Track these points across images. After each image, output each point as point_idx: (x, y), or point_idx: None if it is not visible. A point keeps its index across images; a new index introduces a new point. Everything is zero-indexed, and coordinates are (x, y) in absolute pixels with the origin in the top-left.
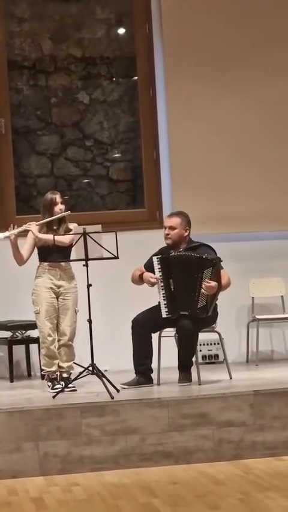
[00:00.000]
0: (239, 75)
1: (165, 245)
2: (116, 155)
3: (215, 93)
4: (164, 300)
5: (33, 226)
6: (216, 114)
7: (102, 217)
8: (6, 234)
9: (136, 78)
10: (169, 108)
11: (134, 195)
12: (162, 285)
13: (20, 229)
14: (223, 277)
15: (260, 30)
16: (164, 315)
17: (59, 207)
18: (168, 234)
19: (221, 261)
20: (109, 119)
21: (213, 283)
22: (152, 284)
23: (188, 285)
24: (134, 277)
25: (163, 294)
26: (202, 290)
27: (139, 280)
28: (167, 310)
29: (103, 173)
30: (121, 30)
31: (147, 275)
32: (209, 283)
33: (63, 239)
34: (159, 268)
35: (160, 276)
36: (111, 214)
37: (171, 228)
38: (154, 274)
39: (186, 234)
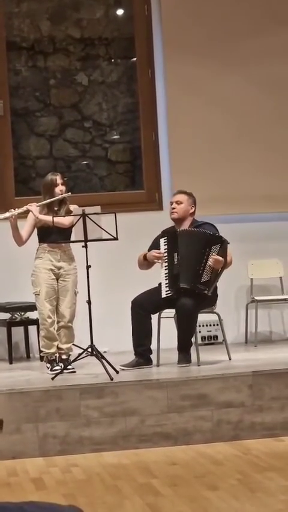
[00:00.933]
0: (238, 55)
1: (165, 228)
2: (115, 136)
3: (214, 74)
4: (165, 277)
5: (34, 207)
6: (215, 94)
7: (101, 199)
8: (7, 214)
9: (135, 59)
10: (168, 89)
11: (133, 176)
12: (166, 260)
13: (20, 210)
14: (228, 256)
15: (259, 9)
16: (163, 294)
17: (60, 189)
18: (174, 208)
19: (228, 243)
20: (108, 100)
21: (219, 257)
22: (158, 258)
23: (193, 260)
24: (139, 261)
25: (165, 270)
26: (209, 263)
27: (144, 261)
28: (167, 285)
29: (102, 154)
30: (120, 11)
31: (151, 252)
32: (217, 256)
33: (63, 220)
34: (165, 243)
35: (165, 250)
36: (110, 196)
37: (178, 202)
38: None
39: (192, 211)
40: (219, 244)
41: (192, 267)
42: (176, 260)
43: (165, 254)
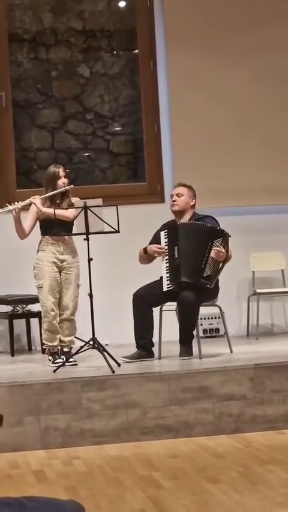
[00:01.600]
0: (240, 47)
1: (167, 220)
2: (117, 128)
3: (216, 65)
4: (166, 270)
5: (37, 200)
6: (217, 87)
7: (102, 191)
8: (10, 207)
9: (137, 51)
10: (170, 81)
11: (135, 168)
12: (167, 253)
13: (24, 202)
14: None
15: (260, 5)
16: (165, 288)
17: (62, 181)
18: (175, 201)
19: (230, 236)
20: (110, 92)
21: (222, 249)
22: (159, 253)
23: (195, 253)
24: (140, 255)
25: (166, 264)
26: (211, 255)
27: (145, 255)
28: (168, 279)
29: (104, 146)
30: (122, 3)
31: (152, 246)
32: (219, 248)
33: (66, 213)
34: (165, 237)
35: (166, 243)
36: (112, 188)
37: (179, 194)
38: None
39: (192, 203)
40: (221, 238)
41: (193, 261)
42: (176, 254)
43: (166, 248)
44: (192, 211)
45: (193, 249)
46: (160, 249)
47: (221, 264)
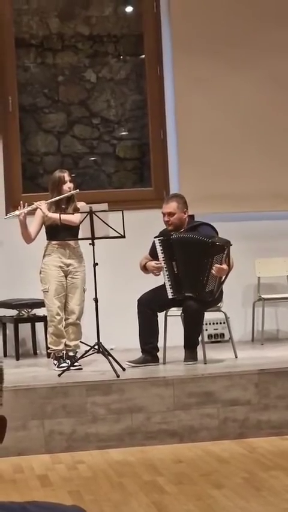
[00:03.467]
0: (246, 53)
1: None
2: (123, 133)
3: (222, 71)
4: (168, 281)
5: (43, 205)
6: (224, 92)
7: (108, 196)
8: (17, 212)
9: (143, 56)
10: (176, 87)
11: (141, 173)
12: (165, 267)
13: (30, 207)
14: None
15: (268, 7)
16: (170, 295)
17: (68, 186)
18: (168, 221)
19: (231, 245)
20: (116, 97)
21: (224, 266)
22: (158, 270)
23: (195, 268)
24: (140, 266)
25: (167, 275)
26: (212, 271)
27: (144, 270)
28: (172, 290)
29: (110, 151)
30: (129, 8)
31: (150, 264)
32: (220, 266)
33: (72, 218)
34: (161, 251)
35: (163, 258)
36: (118, 193)
37: (170, 214)
38: (158, 257)
39: (185, 216)
40: (222, 254)
41: (194, 277)
42: (175, 269)
43: (164, 261)
44: (187, 220)
45: (192, 264)
46: (158, 265)
47: (223, 278)
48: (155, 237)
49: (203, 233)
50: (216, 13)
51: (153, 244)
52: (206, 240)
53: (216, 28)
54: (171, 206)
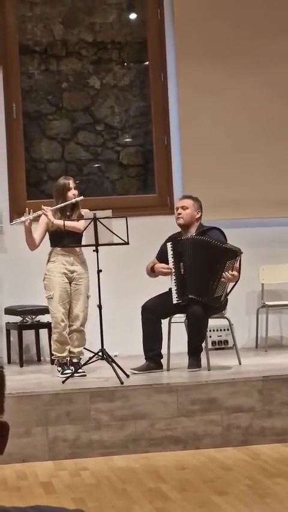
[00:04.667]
0: (250, 60)
1: (173, 232)
2: (127, 140)
3: (226, 78)
4: (175, 285)
5: (48, 212)
6: (227, 98)
7: (112, 202)
8: (23, 218)
9: (147, 63)
10: (180, 93)
11: (145, 180)
12: (174, 271)
13: (35, 214)
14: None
15: (271, 15)
16: (174, 301)
17: (72, 192)
18: (180, 214)
19: (242, 253)
20: (120, 104)
21: (235, 273)
22: (165, 274)
23: (205, 271)
24: (147, 270)
25: (174, 280)
26: (223, 277)
27: (151, 272)
28: (177, 294)
29: (114, 158)
30: (132, 15)
31: (159, 266)
32: (232, 273)
33: (77, 225)
34: (172, 255)
35: (172, 262)
36: (122, 199)
37: (184, 207)
38: (167, 261)
39: (198, 216)
40: (234, 259)
41: (201, 279)
42: (182, 270)
43: (172, 263)
44: (198, 223)
45: (202, 267)
46: (167, 269)
47: (232, 286)
48: (166, 241)
49: (215, 238)
50: (219, 20)
51: (161, 249)
52: (219, 244)
53: (220, 35)
54: (187, 201)
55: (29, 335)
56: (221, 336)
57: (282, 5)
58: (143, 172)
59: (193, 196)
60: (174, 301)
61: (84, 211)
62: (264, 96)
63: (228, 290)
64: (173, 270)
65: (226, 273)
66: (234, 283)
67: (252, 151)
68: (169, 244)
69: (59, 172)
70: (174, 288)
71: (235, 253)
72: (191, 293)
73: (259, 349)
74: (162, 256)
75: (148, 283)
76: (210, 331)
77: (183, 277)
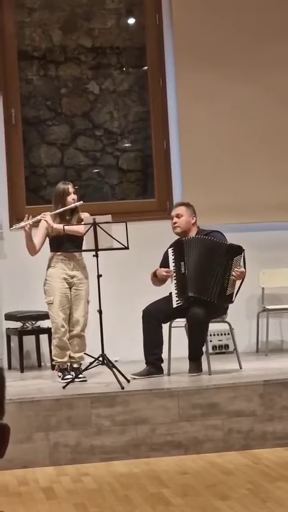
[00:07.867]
0: (249, 63)
1: (173, 239)
2: (126, 145)
3: (225, 83)
4: (175, 288)
5: (48, 217)
6: (226, 103)
7: (112, 208)
8: (22, 224)
9: (146, 68)
10: (179, 98)
11: (144, 185)
12: (174, 275)
13: (35, 219)
14: None
15: (269, 20)
16: (174, 304)
17: (72, 197)
18: (175, 223)
19: (244, 250)
20: (119, 109)
21: (242, 269)
22: (166, 277)
23: (206, 269)
24: (151, 279)
25: (175, 283)
26: (233, 275)
27: (154, 278)
28: (177, 295)
29: (113, 163)
30: (131, 20)
31: (160, 270)
32: (239, 269)
33: (78, 229)
34: (173, 259)
35: (174, 266)
36: (121, 205)
37: (178, 215)
38: (169, 267)
39: (193, 221)
40: (240, 255)
41: (202, 277)
42: (183, 269)
43: (174, 267)
44: (196, 228)
45: (202, 265)
46: (168, 272)
47: (240, 282)
48: (168, 248)
49: (217, 237)
50: (218, 26)
51: (164, 256)
52: (222, 242)
53: (219, 40)
54: (180, 209)
55: (29, 341)
56: (221, 340)
57: (281, 11)
58: (142, 178)
59: (184, 202)
60: (174, 305)
61: (84, 215)
62: (263, 101)
63: (236, 289)
64: (174, 274)
65: (235, 269)
66: (241, 280)
67: (251, 155)
68: (170, 250)
69: (58, 177)
70: (174, 291)
71: (240, 249)
72: (191, 291)
73: (260, 353)
74: (165, 264)
75: (148, 287)
76: (210, 335)
77: (183, 276)
